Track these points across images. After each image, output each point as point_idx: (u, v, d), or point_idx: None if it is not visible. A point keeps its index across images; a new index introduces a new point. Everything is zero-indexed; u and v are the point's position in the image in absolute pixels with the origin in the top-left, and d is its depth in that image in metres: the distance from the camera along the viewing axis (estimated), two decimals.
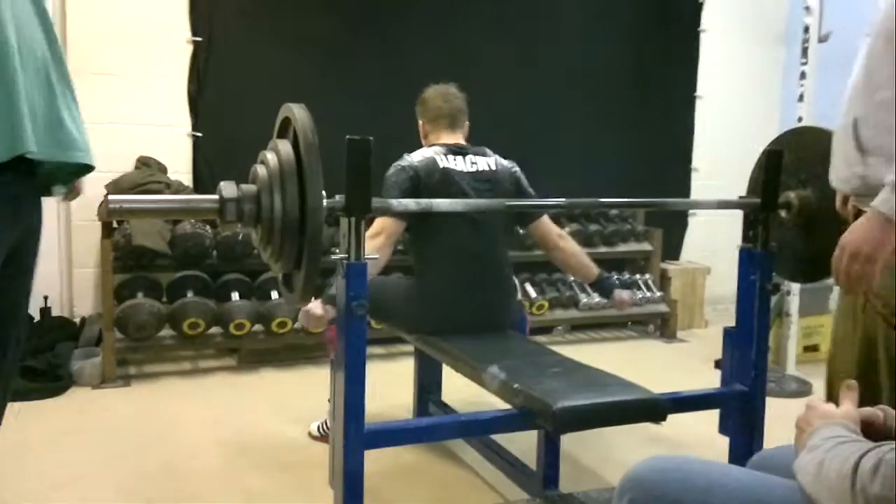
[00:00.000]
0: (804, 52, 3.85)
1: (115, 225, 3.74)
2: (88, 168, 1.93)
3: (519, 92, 4.85)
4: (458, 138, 2.86)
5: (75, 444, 2.94)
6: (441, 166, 2.66)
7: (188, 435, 3.06)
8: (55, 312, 4.03)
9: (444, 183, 2.63)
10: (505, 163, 2.83)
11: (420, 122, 2.94)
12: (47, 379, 3.51)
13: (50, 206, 3.91)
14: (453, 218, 2.59)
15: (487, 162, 2.79)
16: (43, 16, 1.82)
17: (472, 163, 2.74)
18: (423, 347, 2.76)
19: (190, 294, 3.90)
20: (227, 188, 1.72)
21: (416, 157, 2.69)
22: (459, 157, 2.73)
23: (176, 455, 2.86)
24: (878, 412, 1.28)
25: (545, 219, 2.85)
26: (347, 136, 1.80)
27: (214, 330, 3.92)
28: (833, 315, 2.02)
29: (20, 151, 1.67)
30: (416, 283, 2.75)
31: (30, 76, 1.72)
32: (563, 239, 2.90)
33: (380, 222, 2.58)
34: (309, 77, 4.33)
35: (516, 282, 2.91)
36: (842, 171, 1.80)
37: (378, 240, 2.50)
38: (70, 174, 1.96)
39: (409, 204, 2.12)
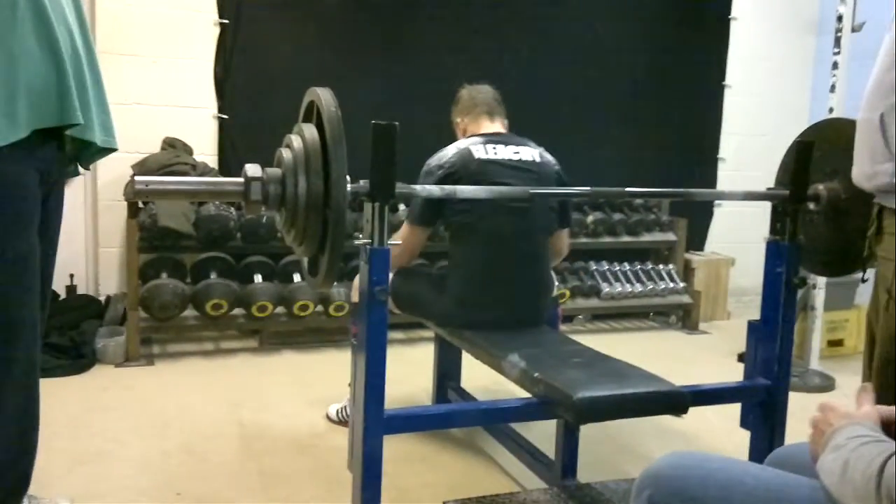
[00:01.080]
0: (837, 41, 3.78)
1: (140, 205, 3.77)
2: (112, 151, 2.00)
3: (544, 80, 4.82)
4: (499, 127, 2.78)
5: (98, 422, 2.98)
6: (477, 157, 2.53)
7: (209, 415, 3.09)
8: (81, 291, 4.08)
9: (483, 174, 2.49)
10: (549, 157, 2.71)
11: (457, 122, 2.87)
12: (71, 356, 3.56)
13: (78, 186, 3.99)
14: (493, 212, 2.49)
15: (532, 153, 2.65)
16: (76, 2, 1.89)
17: (515, 152, 2.60)
18: (444, 335, 2.75)
19: (213, 275, 3.93)
20: (252, 171, 1.72)
21: (448, 153, 2.57)
22: (500, 146, 2.60)
23: (196, 434, 2.89)
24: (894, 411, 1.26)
25: (565, 233, 2.81)
26: (373, 121, 1.79)
27: (237, 311, 3.95)
28: (869, 307, 1.98)
29: (69, 121, 1.75)
30: (450, 276, 2.64)
31: (68, 55, 1.79)
32: (561, 256, 2.89)
33: (401, 233, 2.58)
34: (335, 61, 4.33)
35: (553, 276, 2.82)
36: (867, 168, 1.77)
37: (395, 251, 2.42)
38: (93, 154, 2.01)
39: (434, 190, 2.11)
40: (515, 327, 2.55)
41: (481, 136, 2.67)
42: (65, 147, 1.93)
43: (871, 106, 1.75)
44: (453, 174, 2.49)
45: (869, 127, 1.74)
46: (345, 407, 2.99)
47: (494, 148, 2.58)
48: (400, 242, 2.45)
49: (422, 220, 2.59)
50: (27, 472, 2.00)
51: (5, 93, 1.67)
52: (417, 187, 1.97)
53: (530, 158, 2.62)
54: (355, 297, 2.45)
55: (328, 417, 3.06)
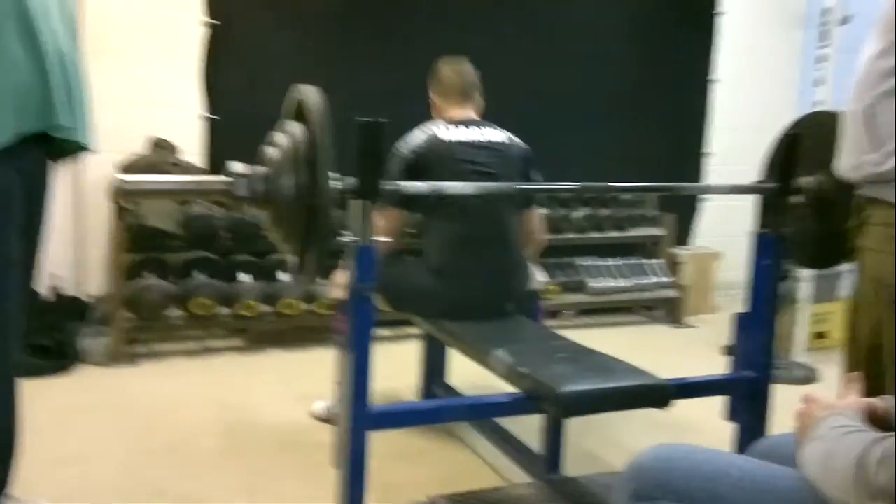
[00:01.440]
0: (823, 35, 3.79)
1: (126, 206, 3.74)
2: (88, 150, 2.01)
3: (532, 74, 4.82)
4: (469, 113, 2.82)
5: (82, 422, 2.96)
6: (443, 138, 2.63)
7: (195, 414, 3.08)
8: (65, 291, 4.04)
9: (448, 154, 2.60)
10: (518, 141, 2.79)
11: (431, 97, 2.89)
12: (55, 357, 3.53)
13: (63, 187, 3.94)
14: (459, 199, 2.56)
15: (499, 135, 2.75)
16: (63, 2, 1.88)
17: (481, 134, 2.70)
18: (431, 330, 2.75)
19: (199, 275, 3.91)
20: (238, 169, 1.72)
21: (414, 139, 2.66)
22: (465, 128, 2.69)
23: (182, 434, 2.88)
24: (878, 402, 1.27)
25: (536, 213, 2.84)
26: (358, 119, 1.78)
27: (223, 310, 3.93)
28: (852, 299, 1.98)
29: (52, 123, 1.74)
30: (423, 264, 2.71)
31: (53, 57, 1.79)
32: (536, 238, 2.90)
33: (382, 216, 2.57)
34: (322, 60, 4.31)
35: (532, 268, 2.83)
36: (853, 159, 1.77)
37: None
38: (73, 152, 2.01)
39: (421, 187, 2.10)
40: (487, 314, 2.60)
41: (448, 120, 2.74)
42: (52, 147, 1.93)
43: (858, 97, 1.76)
44: (424, 156, 2.59)
45: (855, 118, 1.75)
46: (331, 404, 2.98)
47: (459, 129, 2.68)
48: (387, 240, 2.47)
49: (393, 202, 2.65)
50: (7, 473, 1.97)
51: None
52: (403, 184, 1.96)
53: (496, 139, 2.72)
54: (334, 294, 2.45)
55: (313, 415, 3.05)
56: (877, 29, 1.73)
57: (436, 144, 2.62)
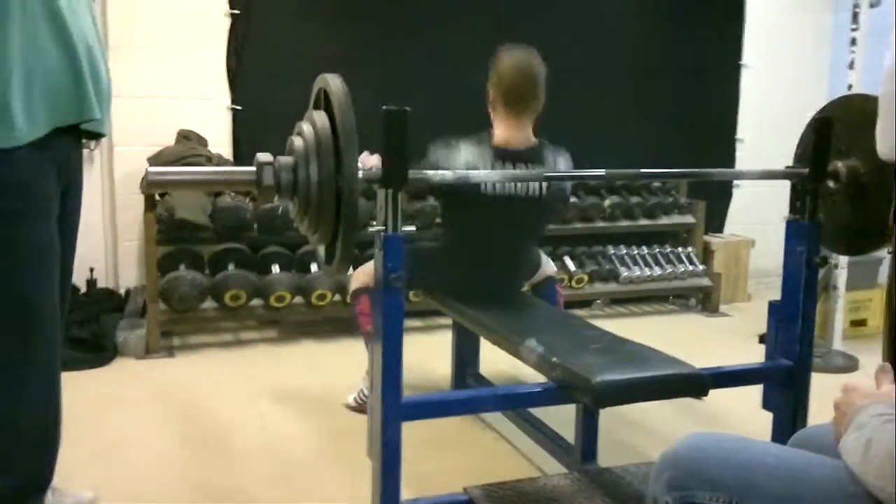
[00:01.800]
0: (854, 17, 3.72)
1: (157, 198, 3.78)
2: (104, 136, 2.07)
3: (557, 63, 4.72)
4: (524, 128, 2.64)
5: (119, 414, 3.00)
6: (482, 189, 2.50)
7: (229, 405, 3.11)
8: (101, 284, 4.11)
9: (480, 204, 2.53)
10: (559, 184, 2.66)
11: (488, 87, 2.67)
12: (93, 349, 3.59)
13: (95, 181, 4.01)
14: (481, 210, 2.55)
15: (539, 185, 2.58)
16: None
17: (525, 186, 2.54)
18: (460, 320, 2.75)
19: (231, 266, 3.94)
20: (264, 159, 1.72)
21: (462, 153, 2.54)
22: (511, 166, 2.53)
23: (217, 425, 2.91)
24: None
25: None
26: (384, 107, 1.78)
27: (255, 302, 3.96)
28: (887, 284, 1.95)
29: (87, 117, 1.78)
30: (438, 243, 2.80)
31: (82, 50, 1.81)
32: None
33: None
34: (346, 48, 4.31)
35: (542, 255, 2.91)
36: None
37: None
38: (92, 138, 2.06)
39: (447, 175, 2.09)
40: (499, 286, 2.73)
41: (495, 148, 2.56)
42: (81, 139, 1.96)
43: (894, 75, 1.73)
44: (455, 189, 2.53)
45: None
46: (361, 391, 2.99)
47: (504, 170, 2.51)
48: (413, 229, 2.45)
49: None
50: (51, 465, 2.01)
51: (24, 91, 1.68)
52: (430, 172, 1.95)
53: (534, 193, 2.58)
54: (354, 285, 2.46)
55: (347, 405, 3.06)
56: None
57: (472, 190, 2.50)
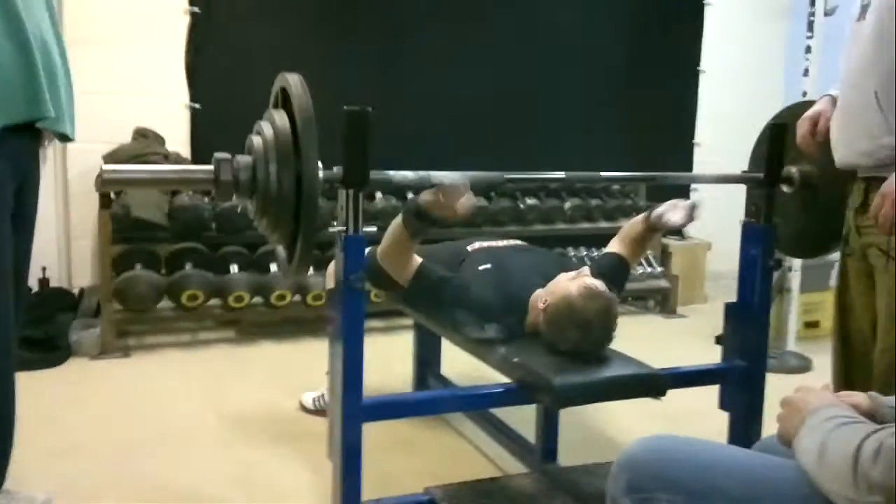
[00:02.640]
0: (810, 25, 3.80)
1: (112, 196, 3.72)
2: (70, 140, 2.05)
3: (518, 65, 4.81)
4: None
5: (73, 415, 2.94)
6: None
7: (187, 406, 3.07)
8: (53, 283, 4.02)
9: None
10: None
11: (541, 307, 2.16)
12: (46, 349, 3.51)
13: (48, 178, 3.92)
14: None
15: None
16: None
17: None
18: (424, 321, 2.74)
19: (189, 266, 3.89)
20: (222, 158, 1.70)
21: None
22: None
23: (174, 426, 2.87)
24: (862, 399, 1.27)
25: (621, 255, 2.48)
26: (345, 107, 1.77)
27: (213, 302, 3.91)
28: (836, 287, 2.00)
29: (40, 115, 1.74)
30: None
31: (37, 47, 1.79)
32: (623, 248, 2.50)
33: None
34: (307, 47, 4.28)
35: None
36: (864, 145, 1.78)
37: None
38: (55, 138, 2.03)
39: (408, 175, 2.08)
40: None
41: (520, 336, 2.23)
42: (37, 138, 1.92)
43: (857, 84, 1.77)
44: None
45: (860, 105, 1.76)
46: (322, 395, 2.97)
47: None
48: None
49: None
50: (3, 468, 1.96)
51: None
52: (391, 173, 1.94)
53: None
54: (330, 284, 2.42)
55: (302, 406, 3.04)
56: (876, 14, 1.74)
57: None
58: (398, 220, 2.11)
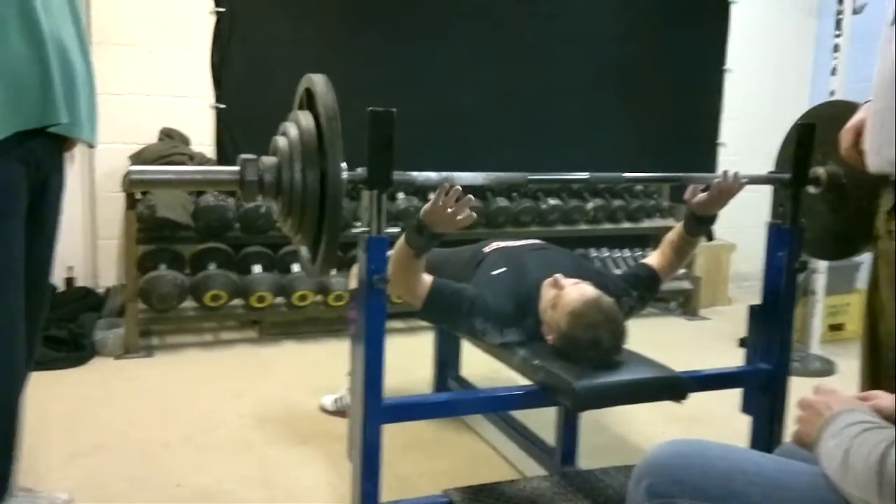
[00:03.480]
0: (838, 24, 3.75)
1: (138, 196, 3.75)
2: (91, 145, 2.03)
3: (541, 67, 4.80)
4: None
5: (97, 414, 2.97)
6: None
7: (209, 406, 3.09)
8: (79, 283, 4.07)
9: None
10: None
11: (550, 323, 2.16)
12: (70, 348, 3.55)
13: (75, 178, 3.97)
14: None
15: None
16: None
17: None
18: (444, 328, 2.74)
19: (212, 266, 3.92)
20: (248, 159, 1.71)
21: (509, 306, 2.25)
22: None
23: (196, 426, 2.88)
24: (888, 399, 1.25)
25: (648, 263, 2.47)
26: (370, 108, 1.77)
27: (236, 302, 3.94)
28: (867, 289, 1.97)
29: (52, 122, 1.74)
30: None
31: (54, 52, 1.77)
32: (660, 262, 2.47)
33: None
34: (332, 48, 4.31)
35: None
36: (894, 153, 1.75)
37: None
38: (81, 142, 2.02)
39: (431, 176, 2.08)
40: None
41: (539, 338, 2.22)
42: (59, 141, 1.92)
43: (888, 89, 1.74)
44: None
45: (891, 110, 1.73)
46: (342, 396, 2.98)
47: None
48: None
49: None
50: (6, 475, 1.93)
51: None
52: (414, 174, 1.94)
53: None
54: (353, 284, 2.42)
55: (323, 408, 3.04)
56: None
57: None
58: (401, 241, 2.08)
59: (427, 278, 2.19)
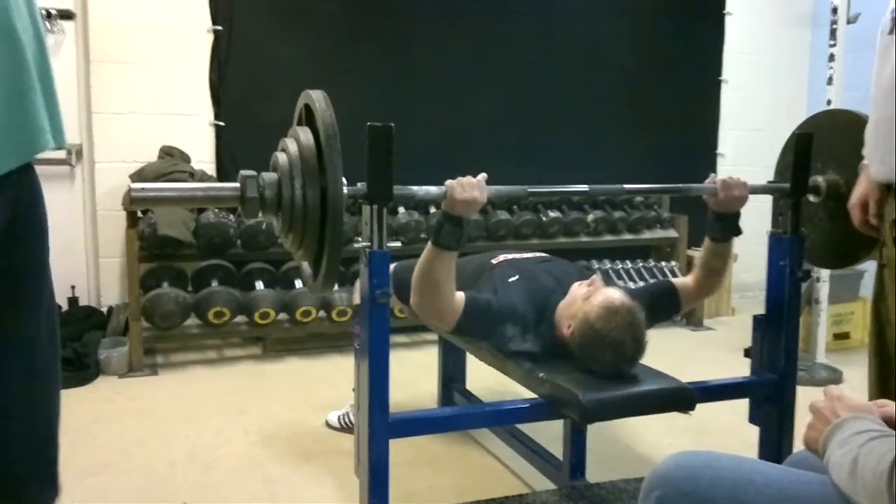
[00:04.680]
0: (832, 33, 3.77)
1: (139, 215, 3.76)
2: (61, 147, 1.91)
3: (539, 79, 4.81)
4: None
5: (103, 433, 2.96)
6: None
7: (214, 423, 3.08)
8: (82, 302, 4.06)
9: None
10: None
11: (577, 314, 2.12)
12: (75, 367, 3.54)
13: (76, 197, 3.98)
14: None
15: None
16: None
17: None
18: (448, 336, 2.74)
19: (215, 283, 3.92)
20: (248, 176, 1.72)
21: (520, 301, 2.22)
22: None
23: (201, 443, 2.88)
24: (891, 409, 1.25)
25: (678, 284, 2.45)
26: (369, 123, 1.78)
27: (239, 319, 3.93)
28: (872, 297, 1.97)
29: (42, 147, 1.63)
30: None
31: (32, 72, 1.58)
32: (690, 281, 2.45)
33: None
34: (332, 64, 4.32)
35: None
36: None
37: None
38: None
39: (431, 191, 2.08)
40: None
41: (552, 339, 2.21)
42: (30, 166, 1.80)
43: (889, 99, 1.75)
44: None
45: (892, 119, 1.74)
46: (346, 413, 2.97)
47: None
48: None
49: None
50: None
51: None
52: (415, 188, 1.95)
53: None
54: (357, 299, 2.42)
55: (328, 425, 3.03)
56: None
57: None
58: (427, 252, 2.03)
59: (460, 295, 2.13)
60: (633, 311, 2.07)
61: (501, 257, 2.50)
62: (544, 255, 2.62)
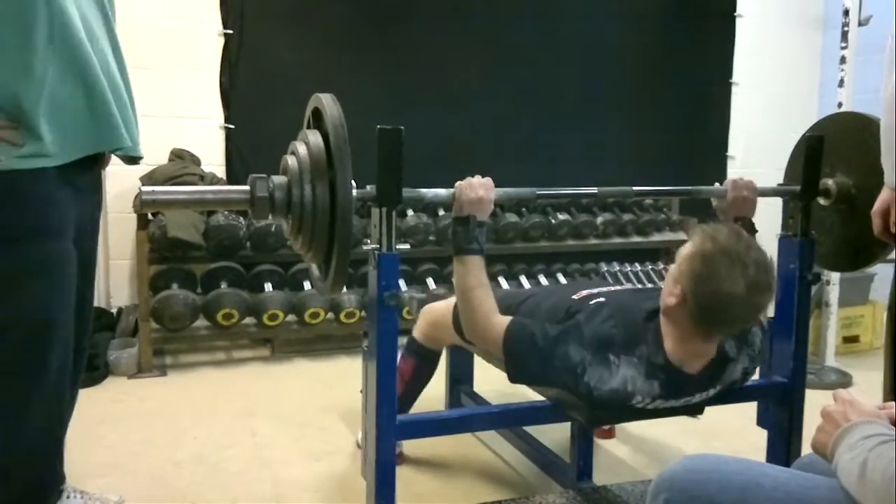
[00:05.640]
0: (844, 35, 3.76)
1: (150, 217, 3.77)
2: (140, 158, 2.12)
3: (548, 81, 4.81)
4: (709, 350, 1.97)
5: (111, 433, 2.98)
6: (635, 403, 1.95)
7: (222, 424, 3.09)
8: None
9: (622, 410, 2.00)
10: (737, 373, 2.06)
11: (674, 275, 1.95)
12: (84, 369, 3.55)
13: None
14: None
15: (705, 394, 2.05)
16: (103, 9, 1.98)
17: (684, 401, 2.02)
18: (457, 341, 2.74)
19: (224, 285, 3.93)
20: (258, 179, 1.72)
21: (620, 373, 1.92)
22: (675, 389, 1.96)
23: (210, 444, 2.88)
24: None
25: None
26: (378, 126, 1.79)
27: (248, 320, 3.95)
28: (889, 301, 1.96)
29: (113, 146, 1.80)
30: None
31: (104, 80, 1.84)
32: None
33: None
34: (340, 68, 4.34)
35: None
36: None
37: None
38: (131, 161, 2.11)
39: (440, 192, 2.08)
40: None
41: (665, 372, 1.93)
42: (96, 164, 1.96)
43: None
44: (601, 396, 1.91)
45: None
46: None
47: (656, 400, 1.95)
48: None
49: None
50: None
51: (50, 118, 1.70)
52: (423, 191, 1.95)
53: (702, 400, 2.07)
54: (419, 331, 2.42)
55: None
56: None
57: (623, 401, 1.95)
58: (454, 266, 2.01)
59: (502, 319, 2.03)
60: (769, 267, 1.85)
61: (584, 292, 2.21)
62: (629, 286, 2.40)
